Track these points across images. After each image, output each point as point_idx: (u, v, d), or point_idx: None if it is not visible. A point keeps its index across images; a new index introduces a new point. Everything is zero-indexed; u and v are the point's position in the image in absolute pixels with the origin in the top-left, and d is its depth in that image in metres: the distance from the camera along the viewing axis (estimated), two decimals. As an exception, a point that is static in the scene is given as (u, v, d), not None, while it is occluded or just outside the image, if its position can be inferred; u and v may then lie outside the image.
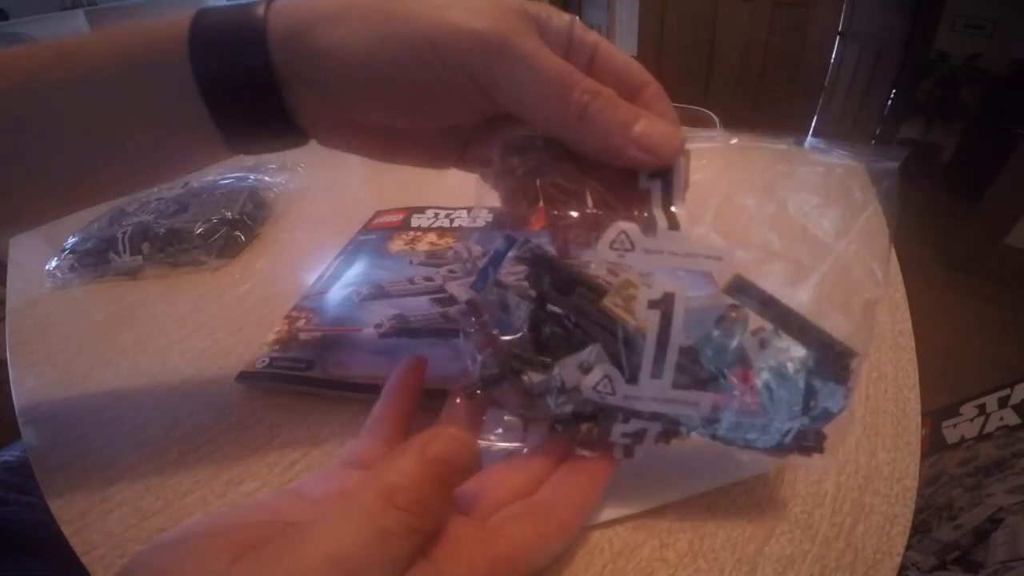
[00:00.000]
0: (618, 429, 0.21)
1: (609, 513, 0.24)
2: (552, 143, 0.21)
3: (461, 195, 0.50)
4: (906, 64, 2.29)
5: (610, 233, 0.19)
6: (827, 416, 0.21)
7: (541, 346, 0.21)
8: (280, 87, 0.20)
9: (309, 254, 0.47)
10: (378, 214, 0.50)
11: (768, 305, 0.20)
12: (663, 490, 0.25)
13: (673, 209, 0.20)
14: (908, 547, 0.23)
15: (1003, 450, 0.63)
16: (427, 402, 0.26)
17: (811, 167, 0.22)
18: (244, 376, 0.32)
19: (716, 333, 0.21)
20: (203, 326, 0.39)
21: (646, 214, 0.20)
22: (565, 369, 0.20)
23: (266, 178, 0.59)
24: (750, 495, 0.25)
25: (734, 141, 0.22)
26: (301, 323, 0.36)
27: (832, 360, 0.20)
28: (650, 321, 0.19)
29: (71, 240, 0.48)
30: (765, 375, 0.20)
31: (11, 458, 0.41)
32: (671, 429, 0.21)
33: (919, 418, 0.29)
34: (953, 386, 0.77)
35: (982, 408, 0.69)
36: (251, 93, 0.20)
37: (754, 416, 0.20)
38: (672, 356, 0.19)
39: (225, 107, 0.21)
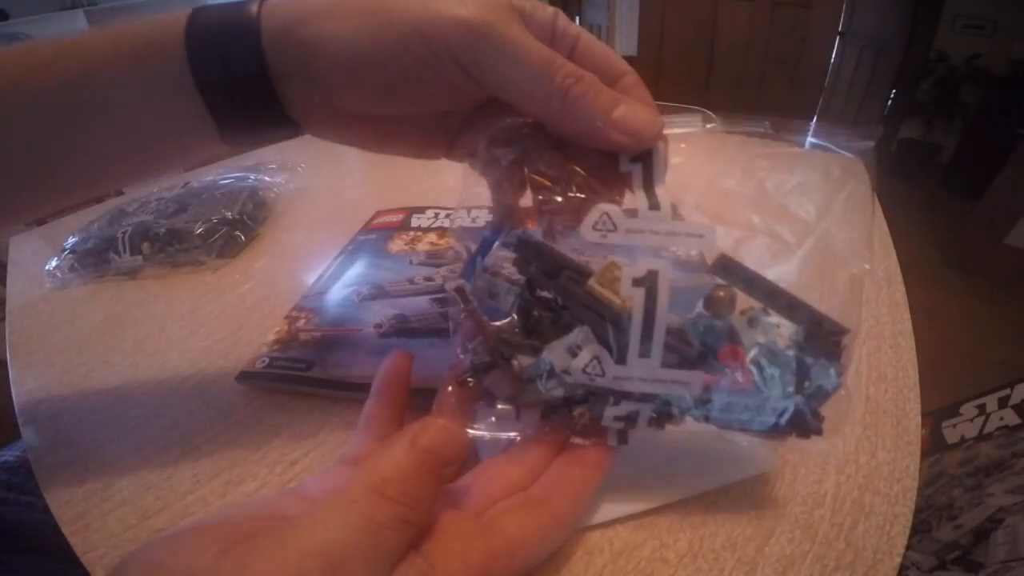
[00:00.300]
0: (610, 412, 0.21)
1: (609, 513, 0.24)
2: (536, 132, 0.22)
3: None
4: (906, 64, 2.29)
5: (592, 215, 0.19)
6: (822, 395, 0.20)
7: (530, 330, 0.21)
8: (273, 81, 0.21)
9: (309, 254, 0.47)
10: (378, 214, 0.50)
11: (754, 283, 0.20)
12: (663, 490, 0.25)
13: (654, 190, 0.20)
14: (908, 547, 0.23)
15: (1003, 450, 0.63)
16: (424, 401, 0.25)
17: (788, 148, 0.22)
18: (244, 376, 0.32)
19: (704, 312, 0.21)
20: (203, 326, 0.39)
21: (628, 196, 0.20)
22: (554, 352, 0.20)
23: (266, 178, 0.59)
24: (750, 495, 0.25)
25: (711, 126, 0.22)
26: (301, 323, 0.36)
27: (822, 336, 0.20)
28: (635, 300, 0.19)
29: (71, 240, 0.48)
30: (755, 353, 0.20)
31: (11, 458, 0.41)
32: (663, 411, 0.21)
33: (919, 418, 0.29)
34: (953, 386, 0.77)
35: (982, 408, 0.69)
36: (245, 87, 0.21)
37: (747, 395, 0.20)
38: (659, 335, 0.19)
39: (220, 101, 0.21)
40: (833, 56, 2.39)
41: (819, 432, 0.21)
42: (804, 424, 0.21)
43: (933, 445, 0.72)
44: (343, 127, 0.24)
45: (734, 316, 0.21)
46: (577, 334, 0.20)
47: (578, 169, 0.21)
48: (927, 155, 2.35)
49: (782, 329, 0.21)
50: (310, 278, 0.41)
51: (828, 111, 2.57)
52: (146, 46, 0.21)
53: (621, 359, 0.19)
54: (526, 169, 0.21)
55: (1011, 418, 0.65)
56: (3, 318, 0.43)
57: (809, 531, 0.23)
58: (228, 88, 0.21)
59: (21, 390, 0.34)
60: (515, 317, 0.21)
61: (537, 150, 0.22)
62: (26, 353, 0.38)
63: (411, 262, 0.41)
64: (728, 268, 0.20)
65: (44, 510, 0.26)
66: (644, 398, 0.20)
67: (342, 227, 0.48)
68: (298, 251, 0.48)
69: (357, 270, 0.41)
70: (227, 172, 0.60)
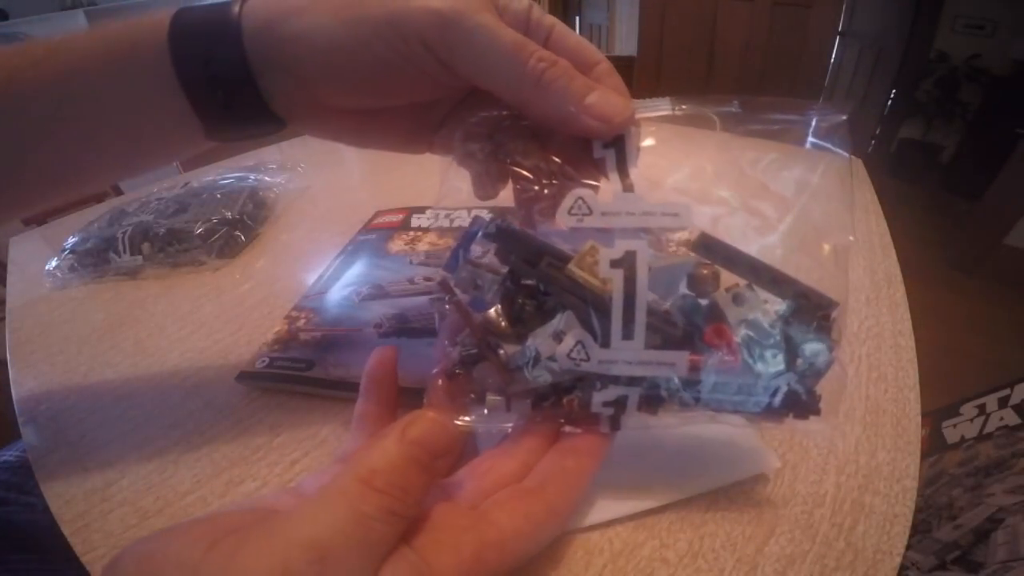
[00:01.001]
0: (598, 398, 0.21)
1: (609, 512, 0.24)
2: (511, 124, 0.22)
3: (461, 195, 0.50)
4: (906, 64, 2.29)
5: (567, 200, 0.20)
6: (815, 372, 0.20)
7: (514, 319, 0.21)
8: (255, 77, 0.22)
9: (309, 254, 0.47)
10: (378, 214, 0.50)
11: (736, 260, 0.20)
12: (663, 490, 0.25)
13: (628, 173, 0.21)
14: (908, 547, 0.23)
15: (1003, 450, 0.63)
16: (422, 401, 0.25)
17: (762, 126, 0.22)
18: (244, 376, 0.32)
19: (688, 292, 0.20)
20: (203, 326, 0.39)
21: (602, 180, 0.21)
22: (539, 339, 0.20)
23: (266, 178, 0.59)
24: (750, 495, 0.25)
25: (684, 107, 0.22)
26: (301, 323, 0.36)
27: (810, 310, 0.20)
28: (614, 281, 0.19)
29: (71, 240, 0.48)
30: (743, 331, 0.20)
31: (11, 458, 0.41)
32: (652, 395, 0.21)
33: (919, 418, 0.29)
34: (953, 386, 0.77)
35: (982, 408, 0.69)
36: (228, 84, 0.22)
37: (736, 374, 0.20)
38: (641, 316, 0.19)
39: (203, 98, 0.22)
40: (833, 56, 2.39)
41: (817, 411, 0.21)
42: (800, 404, 0.20)
43: (933, 445, 0.72)
44: (326, 121, 0.25)
45: (719, 294, 0.20)
46: (560, 320, 0.20)
47: (554, 157, 0.21)
48: (927, 155, 2.35)
49: (769, 305, 0.20)
50: (310, 278, 0.41)
51: (828, 111, 2.56)
52: (132, 45, 0.22)
53: (605, 342, 0.19)
54: (507, 161, 0.22)
55: (1011, 418, 0.65)
56: (3, 318, 0.44)
57: (809, 531, 0.23)
58: (210, 85, 0.22)
59: (21, 390, 0.34)
60: (499, 306, 0.21)
61: (512, 141, 0.22)
62: (26, 353, 0.38)
63: (411, 262, 0.41)
64: (709, 246, 0.20)
65: (44, 510, 0.26)
66: (631, 382, 0.20)
67: (342, 227, 0.48)
68: (298, 251, 0.48)
69: (357, 270, 0.41)
70: (227, 172, 0.60)
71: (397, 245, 0.44)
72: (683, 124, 0.22)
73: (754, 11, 2.25)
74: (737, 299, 0.20)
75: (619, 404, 0.21)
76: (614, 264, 0.19)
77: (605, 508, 0.24)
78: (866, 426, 0.28)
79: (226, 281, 0.44)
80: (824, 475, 0.26)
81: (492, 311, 0.21)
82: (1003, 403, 0.67)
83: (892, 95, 2.40)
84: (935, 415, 0.75)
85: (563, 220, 0.20)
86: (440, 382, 0.22)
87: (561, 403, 0.21)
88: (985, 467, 0.64)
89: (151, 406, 0.32)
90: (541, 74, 0.20)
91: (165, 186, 0.59)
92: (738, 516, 0.24)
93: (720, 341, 0.20)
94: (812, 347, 0.20)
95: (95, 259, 0.46)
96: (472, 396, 0.22)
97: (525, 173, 0.21)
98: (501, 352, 0.21)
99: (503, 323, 0.21)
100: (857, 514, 0.24)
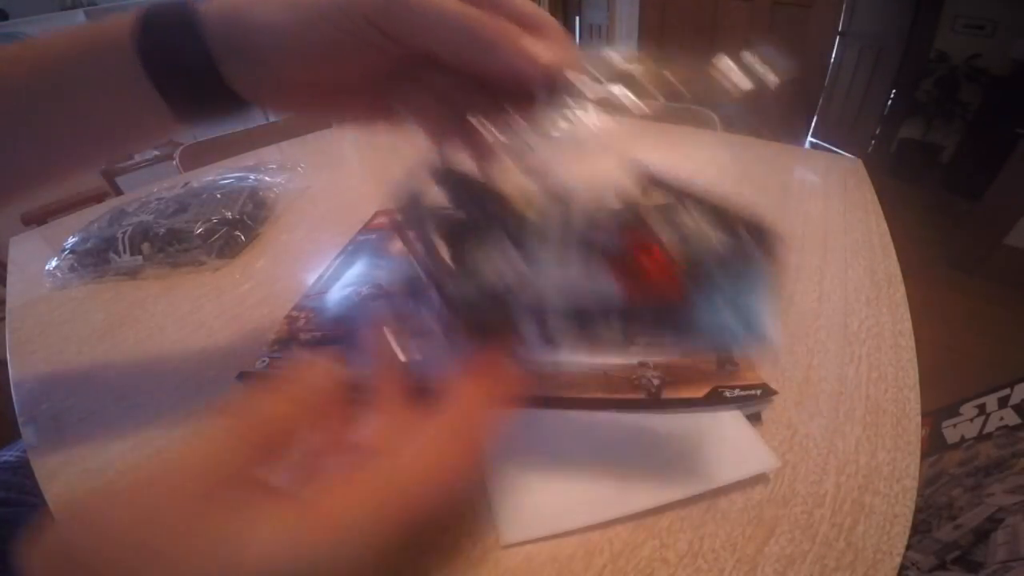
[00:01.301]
0: (532, 327, 0.21)
1: (609, 513, 0.24)
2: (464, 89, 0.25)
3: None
4: (906, 64, 2.29)
5: (511, 138, 0.22)
6: (760, 300, 0.19)
7: (457, 252, 0.22)
8: (217, 63, 0.23)
9: (309, 254, 0.47)
10: (378, 214, 0.50)
11: (683, 194, 0.21)
12: (663, 490, 0.25)
13: (569, 116, 0.22)
14: (908, 547, 0.23)
15: (1003, 450, 0.63)
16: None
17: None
18: (244, 376, 0.32)
19: (617, 207, 0.21)
20: (203, 326, 0.39)
21: (544, 123, 0.23)
22: (477, 269, 0.21)
23: (266, 178, 0.59)
24: (750, 495, 0.25)
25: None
26: (301, 323, 0.36)
27: (755, 237, 0.19)
28: (550, 208, 0.20)
29: (71, 240, 0.48)
30: (678, 251, 0.20)
31: (11, 458, 0.41)
32: (584, 318, 0.21)
33: (919, 418, 0.29)
34: (953, 386, 0.77)
35: (982, 408, 0.69)
36: (191, 71, 0.23)
37: (672, 302, 0.20)
38: (572, 239, 0.20)
39: (170, 85, 0.24)
40: (833, 56, 2.39)
41: (767, 339, 0.20)
42: (750, 329, 0.20)
43: (933, 445, 0.72)
44: (288, 99, 0.26)
45: (648, 211, 0.21)
46: (497, 249, 0.21)
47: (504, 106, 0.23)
48: (927, 155, 2.35)
49: (703, 224, 0.20)
50: (310, 278, 0.41)
51: (828, 111, 2.57)
52: (103, 39, 0.24)
53: (538, 266, 0.20)
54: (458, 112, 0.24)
55: (1011, 418, 0.65)
56: (3, 318, 0.44)
57: (809, 531, 0.23)
58: (175, 72, 0.24)
59: (21, 390, 0.34)
60: (443, 240, 0.22)
61: (465, 99, 0.24)
62: (26, 353, 0.38)
63: (411, 262, 0.41)
64: (656, 182, 0.21)
65: (44, 510, 0.26)
66: (567, 310, 0.20)
67: (342, 227, 0.48)
68: (298, 251, 0.48)
69: (357, 270, 0.41)
70: (227, 172, 0.60)
71: (397, 245, 0.44)
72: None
73: (754, 11, 2.25)
74: (669, 218, 0.20)
75: (554, 332, 0.21)
76: (549, 195, 0.21)
77: (605, 508, 0.24)
78: (866, 426, 0.28)
79: (226, 281, 0.44)
80: (824, 475, 0.26)
81: (437, 243, 0.22)
82: (1003, 403, 0.67)
83: (892, 95, 2.40)
84: (935, 415, 0.75)
85: (507, 156, 0.21)
86: (384, 329, 0.23)
87: (498, 334, 0.22)
88: (985, 467, 0.64)
89: (151, 406, 0.32)
90: (479, 31, 0.21)
91: (165, 186, 0.59)
92: (738, 516, 0.24)
93: (650, 259, 0.20)
94: (753, 270, 0.19)
95: (95, 259, 0.46)
96: (414, 334, 0.23)
97: (473, 122, 0.23)
98: (444, 286, 0.22)
99: (446, 257, 0.22)
100: (857, 514, 0.24)
